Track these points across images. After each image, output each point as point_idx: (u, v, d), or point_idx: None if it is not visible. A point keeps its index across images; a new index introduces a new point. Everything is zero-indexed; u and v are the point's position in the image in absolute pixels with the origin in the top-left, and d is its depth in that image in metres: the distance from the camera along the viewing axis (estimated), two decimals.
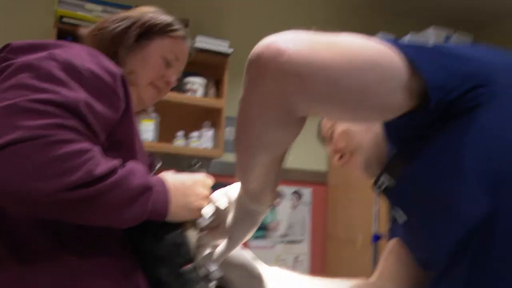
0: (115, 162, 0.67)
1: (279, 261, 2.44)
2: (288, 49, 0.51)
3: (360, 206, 2.11)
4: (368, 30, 2.76)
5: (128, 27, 0.89)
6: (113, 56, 0.86)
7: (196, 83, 2.19)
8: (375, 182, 0.66)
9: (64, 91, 0.64)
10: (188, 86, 2.19)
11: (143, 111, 1.04)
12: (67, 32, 1.92)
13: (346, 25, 2.76)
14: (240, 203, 0.73)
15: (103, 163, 0.64)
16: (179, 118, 2.25)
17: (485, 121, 0.55)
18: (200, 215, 0.79)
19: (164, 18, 0.93)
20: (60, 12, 1.91)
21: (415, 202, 0.62)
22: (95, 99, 0.68)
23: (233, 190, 0.78)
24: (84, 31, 0.93)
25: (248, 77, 0.57)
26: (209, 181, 0.83)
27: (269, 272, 0.84)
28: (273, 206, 0.75)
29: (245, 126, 0.61)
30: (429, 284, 0.68)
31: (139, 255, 0.78)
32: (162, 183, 0.74)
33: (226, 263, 0.80)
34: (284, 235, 2.48)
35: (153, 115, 2.11)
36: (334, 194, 2.50)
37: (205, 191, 0.80)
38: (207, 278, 0.79)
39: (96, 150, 0.65)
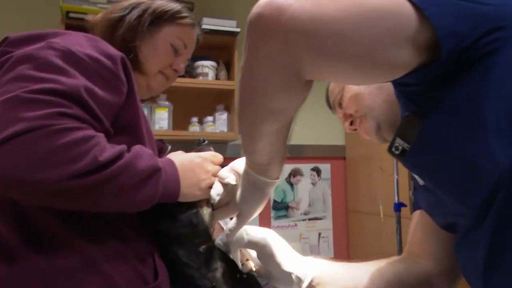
0: (120, 147, 0.67)
1: (302, 239, 2.46)
2: (291, 5, 0.48)
3: (379, 177, 2.09)
4: None
5: (141, 15, 0.88)
6: (128, 47, 0.86)
7: (207, 67, 2.18)
8: (390, 147, 0.63)
9: (64, 79, 0.64)
10: (199, 70, 2.18)
11: (152, 99, 1.04)
12: (75, 27, 1.91)
13: None
14: (247, 177, 0.72)
15: (108, 149, 0.64)
16: (192, 103, 2.26)
17: (505, 67, 0.51)
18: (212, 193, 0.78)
19: (173, 5, 0.92)
20: (65, 7, 1.91)
21: (433, 166, 0.59)
22: (96, 84, 0.67)
23: (239, 164, 0.76)
24: (92, 20, 0.92)
25: (249, 40, 0.53)
26: (219, 157, 0.83)
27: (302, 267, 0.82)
28: (279, 180, 0.73)
29: (251, 92, 0.58)
30: (454, 247, 0.66)
31: (155, 237, 0.79)
32: (171, 164, 0.74)
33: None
34: (306, 213, 2.49)
35: (166, 103, 2.11)
36: (353, 167, 2.48)
37: (215, 168, 0.80)
38: (224, 255, 0.80)
39: (100, 136, 0.65)
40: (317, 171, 2.53)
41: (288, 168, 2.47)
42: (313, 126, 2.45)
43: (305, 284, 0.80)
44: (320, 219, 2.51)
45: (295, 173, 2.49)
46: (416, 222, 0.86)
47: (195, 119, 2.20)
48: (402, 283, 0.81)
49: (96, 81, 0.68)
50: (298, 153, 2.46)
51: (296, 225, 2.46)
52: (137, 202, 0.68)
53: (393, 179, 1.81)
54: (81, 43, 0.71)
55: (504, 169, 0.50)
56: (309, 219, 2.49)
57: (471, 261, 0.60)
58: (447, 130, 0.55)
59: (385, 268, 0.83)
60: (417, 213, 0.87)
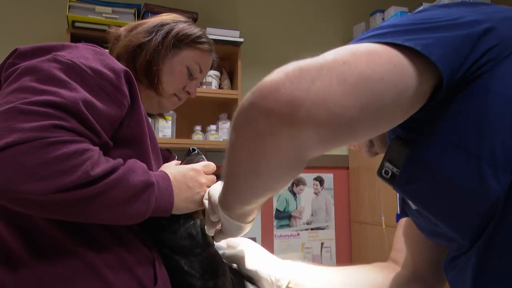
0: (115, 162, 0.67)
1: (305, 249, 2.45)
2: (304, 100, 0.44)
3: (382, 187, 2.09)
4: (380, 1, 2.68)
5: (165, 38, 0.91)
6: (153, 70, 0.89)
7: (210, 76, 2.20)
8: (379, 171, 0.61)
9: (63, 92, 0.65)
10: (202, 80, 2.19)
11: (160, 114, 1.07)
12: (80, 37, 1.94)
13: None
14: (226, 219, 0.72)
15: (102, 163, 0.64)
16: (196, 112, 2.27)
17: (496, 92, 0.50)
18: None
19: (195, 29, 0.96)
20: (71, 17, 1.93)
21: (424, 192, 0.57)
22: (97, 97, 0.68)
23: (216, 194, 0.75)
24: (114, 33, 0.95)
25: (251, 128, 0.49)
26: (211, 166, 0.84)
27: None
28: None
29: (253, 176, 0.56)
30: (443, 266, 0.65)
31: (157, 245, 0.79)
32: (165, 179, 0.75)
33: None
34: (309, 222, 2.48)
35: (170, 112, 2.12)
36: (356, 177, 2.47)
37: (209, 179, 0.82)
38: (227, 263, 0.81)
39: (95, 150, 0.65)
40: (320, 180, 2.53)
41: None
42: None
43: (282, 287, 0.81)
44: (323, 229, 2.50)
45: (298, 182, 2.48)
46: (402, 229, 0.87)
47: (198, 128, 2.21)
48: None
49: (97, 94, 0.69)
50: None
51: (298, 234, 2.45)
52: (129, 216, 0.69)
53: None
54: (86, 56, 0.72)
55: (497, 197, 0.49)
56: (312, 229, 2.48)
57: (460, 282, 0.59)
58: (437, 156, 0.53)
59: (364, 274, 0.84)
60: (403, 220, 0.87)
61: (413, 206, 0.67)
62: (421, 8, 2.23)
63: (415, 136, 0.56)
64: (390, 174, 0.60)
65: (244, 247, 0.84)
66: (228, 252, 0.84)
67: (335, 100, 0.45)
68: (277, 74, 0.47)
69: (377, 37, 0.50)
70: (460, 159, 0.51)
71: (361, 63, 0.47)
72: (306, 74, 0.46)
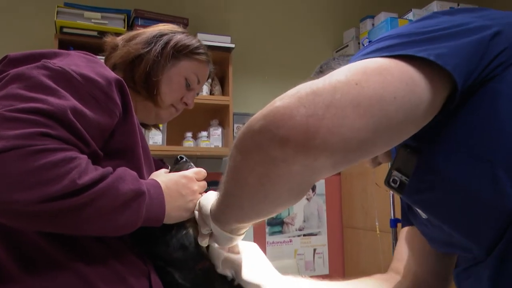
0: (103, 170, 0.65)
1: (297, 255, 2.43)
2: (319, 127, 0.43)
3: (375, 192, 2.09)
4: (370, 7, 2.69)
5: (164, 48, 0.91)
6: (152, 81, 0.88)
7: None
8: (387, 180, 0.60)
9: (51, 99, 0.63)
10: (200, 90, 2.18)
11: (156, 125, 1.06)
12: (68, 42, 1.92)
13: (347, 5, 2.72)
14: (218, 231, 0.70)
15: (89, 172, 0.62)
16: (186, 118, 2.24)
17: (506, 91, 0.49)
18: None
19: (193, 40, 0.96)
20: (59, 22, 1.91)
21: (436, 201, 0.55)
22: (86, 105, 0.66)
23: (207, 207, 0.73)
24: (110, 43, 0.94)
25: (263, 154, 0.47)
26: (202, 172, 0.82)
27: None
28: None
29: (261, 198, 0.54)
30: (455, 276, 0.64)
31: (151, 258, 0.77)
32: (156, 187, 0.73)
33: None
34: (301, 228, 2.46)
35: None
36: (348, 183, 2.47)
37: (201, 185, 0.80)
38: (223, 275, 0.79)
39: (82, 158, 0.63)
40: (312, 186, 2.52)
41: None
42: None
43: None
44: (315, 235, 2.49)
45: None
46: (404, 238, 0.85)
47: (189, 134, 2.19)
48: None
49: (87, 102, 0.67)
50: None
51: (291, 241, 2.43)
52: (120, 226, 0.66)
53: (389, 194, 1.80)
54: (78, 64, 0.71)
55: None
56: (304, 235, 2.46)
57: None
58: (448, 164, 0.52)
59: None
60: (405, 229, 0.85)
61: (423, 215, 0.65)
62: (410, 13, 2.25)
63: (425, 144, 0.55)
64: (398, 183, 0.58)
65: (246, 255, 0.81)
66: (228, 256, 0.81)
67: (349, 125, 0.44)
68: (290, 99, 0.45)
69: (385, 50, 0.49)
70: (473, 165, 0.50)
71: (373, 83, 0.45)
72: (319, 99, 0.44)
